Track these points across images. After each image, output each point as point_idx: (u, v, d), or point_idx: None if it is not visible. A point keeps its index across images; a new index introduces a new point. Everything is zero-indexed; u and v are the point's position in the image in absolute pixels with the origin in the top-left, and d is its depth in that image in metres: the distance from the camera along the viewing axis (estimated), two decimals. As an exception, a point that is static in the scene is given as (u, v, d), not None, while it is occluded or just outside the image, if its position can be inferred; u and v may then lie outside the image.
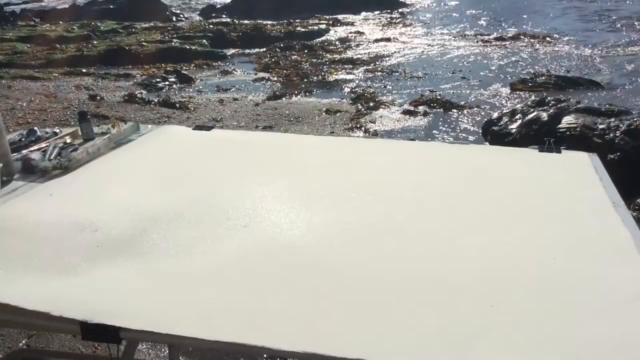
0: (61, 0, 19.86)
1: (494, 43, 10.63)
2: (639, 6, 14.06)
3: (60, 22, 14.03)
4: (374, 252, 1.12)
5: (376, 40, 11.58)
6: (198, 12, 17.72)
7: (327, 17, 14.02)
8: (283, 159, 1.69)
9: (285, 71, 8.70)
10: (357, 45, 11.03)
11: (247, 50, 10.88)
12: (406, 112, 6.19)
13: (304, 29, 12.56)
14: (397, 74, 8.33)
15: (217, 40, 11.36)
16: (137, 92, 7.18)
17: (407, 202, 1.36)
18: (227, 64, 9.67)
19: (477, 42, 10.89)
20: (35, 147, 1.68)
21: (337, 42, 11.40)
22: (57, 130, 1.82)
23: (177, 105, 6.59)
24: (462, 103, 6.51)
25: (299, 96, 7.13)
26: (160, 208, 1.31)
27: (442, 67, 8.67)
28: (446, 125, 5.82)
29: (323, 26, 13.07)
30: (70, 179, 1.52)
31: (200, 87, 7.87)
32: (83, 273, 1.04)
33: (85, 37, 11.56)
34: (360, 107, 6.44)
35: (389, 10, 16.28)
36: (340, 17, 14.40)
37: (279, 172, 1.57)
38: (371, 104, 6.50)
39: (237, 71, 9.03)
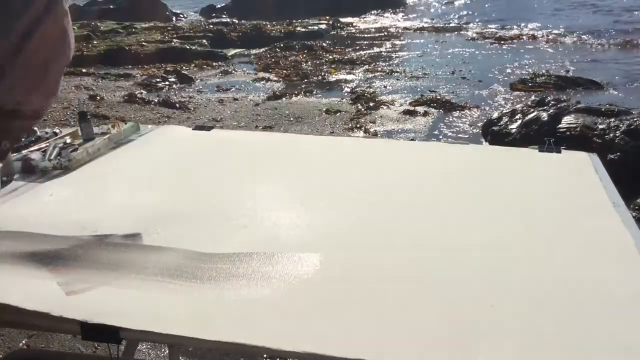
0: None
1: (494, 43, 10.63)
2: None
3: (60, 22, 14.00)
4: (374, 251, 1.12)
5: (376, 40, 11.58)
6: (198, 12, 17.73)
7: (327, 17, 14.01)
8: (283, 159, 1.69)
9: (285, 71, 8.70)
10: (357, 46, 11.03)
11: (247, 50, 10.88)
12: (406, 112, 6.19)
13: (304, 29, 12.56)
14: (397, 74, 8.32)
15: (217, 40, 11.36)
16: (137, 92, 7.18)
17: (406, 202, 1.36)
18: (227, 64, 9.66)
19: (477, 42, 10.89)
20: (35, 147, 1.68)
21: (337, 42, 11.40)
22: (57, 130, 1.82)
23: (177, 105, 6.58)
24: (462, 103, 6.50)
25: (299, 96, 7.13)
26: (160, 208, 1.31)
27: (442, 67, 8.67)
28: (446, 125, 5.81)
29: (323, 26, 13.06)
30: (70, 179, 1.52)
31: (200, 87, 7.87)
32: (83, 273, 1.04)
33: (85, 37, 11.55)
34: (360, 107, 6.44)
35: (389, 11, 16.28)
36: (340, 17, 14.39)
37: (279, 172, 1.57)
38: (371, 104, 6.50)
39: (237, 71, 9.03)
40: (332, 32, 12.78)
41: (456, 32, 12.21)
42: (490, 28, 12.47)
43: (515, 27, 12.34)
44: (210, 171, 1.59)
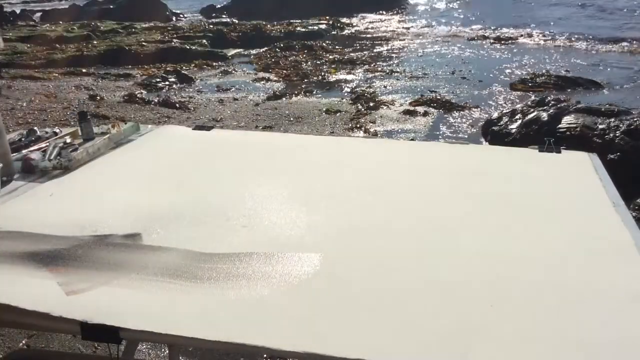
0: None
1: (494, 43, 10.63)
2: None
3: (61, 22, 14.03)
4: (374, 251, 1.12)
5: (376, 40, 11.58)
6: (198, 12, 17.73)
7: (327, 17, 14.02)
8: (283, 159, 1.69)
9: (285, 71, 8.70)
10: (357, 45, 11.03)
11: (247, 50, 10.88)
12: (406, 112, 6.19)
13: (304, 29, 12.56)
14: (397, 74, 8.33)
15: (217, 40, 11.36)
16: (137, 92, 7.18)
17: (406, 202, 1.36)
18: (227, 64, 9.66)
19: (477, 42, 10.89)
20: (35, 147, 1.68)
21: (337, 42, 11.40)
22: (57, 130, 1.82)
23: (177, 105, 6.58)
24: (462, 103, 6.51)
25: (299, 96, 7.13)
26: (160, 208, 1.31)
27: (442, 67, 8.67)
28: (446, 125, 5.82)
29: (323, 26, 13.07)
30: (70, 179, 1.52)
31: (200, 87, 7.87)
32: (83, 273, 1.04)
33: (85, 37, 11.56)
34: (360, 107, 6.44)
35: (389, 11, 16.29)
36: (340, 17, 14.39)
37: (279, 172, 1.57)
38: (371, 104, 6.50)
39: (237, 71, 9.03)
40: (332, 32, 12.78)
41: (457, 32, 12.21)
42: (490, 28, 12.47)
43: (516, 27, 12.34)
44: (210, 171, 1.59)
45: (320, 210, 1.31)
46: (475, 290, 0.98)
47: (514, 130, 4.86)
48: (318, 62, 9.37)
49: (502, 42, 10.68)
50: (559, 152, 1.67)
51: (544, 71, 7.90)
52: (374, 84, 7.67)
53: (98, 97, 6.83)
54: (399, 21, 14.68)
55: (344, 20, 14.31)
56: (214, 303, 0.95)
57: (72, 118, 5.64)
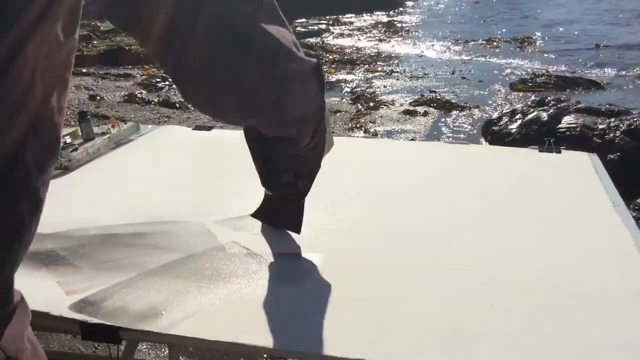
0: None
1: (494, 44, 10.63)
2: None
3: (60, 22, 14.01)
4: (374, 251, 1.12)
5: (376, 41, 11.58)
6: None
7: (327, 17, 14.02)
8: (283, 159, 1.68)
9: (285, 71, 8.68)
10: (357, 46, 11.03)
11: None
12: (406, 112, 6.19)
13: (304, 29, 12.56)
14: (397, 73, 8.32)
15: (217, 40, 11.34)
16: (137, 92, 7.18)
17: (406, 202, 1.36)
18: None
19: (477, 42, 10.89)
20: (35, 147, 1.68)
21: (337, 42, 11.40)
22: (57, 130, 1.81)
23: (177, 105, 6.58)
24: (462, 103, 6.51)
25: (299, 96, 7.12)
26: (161, 208, 1.31)
27: (442, 67, 8.67)
28: (446, 125, 5.82)
29: (323, 26, 13.07)
30: (70, 179, 1.52)
31: (200, 87, 7.84)
32: (83, 273, 1.04)
33: (85, 37, 11.55)
34: (360, 107, 6.44)
35: (389, 11, 16.29)
36: (340, 17, 14.40)
37: (279, 172, 1.56)
38: (371, 104, 6.50)
39: (237, 71, 9.01)
40: (332, 32, 12.77)
41: (457, 33, 12.20)
42: (491, 29, 12.46)
43: (516, 28, 12.34)
44: (211, 171, 1.59)
45: (321, 210, 1.30)
46: (475, 290, 0.98)
47: (514, 130, 4.86)
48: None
49: (503, 42, 10.68)
50: (559, 152, 1.67)
51: (544, 71, 7.90)
52: (373, 84, 7.67)
53: (98, 97, 6.82)
54: (400, 21, 14.67)
55: (344, 20, 14.31)
56: (214, 303, 0.95)
57: (72, 118, 5.64)
